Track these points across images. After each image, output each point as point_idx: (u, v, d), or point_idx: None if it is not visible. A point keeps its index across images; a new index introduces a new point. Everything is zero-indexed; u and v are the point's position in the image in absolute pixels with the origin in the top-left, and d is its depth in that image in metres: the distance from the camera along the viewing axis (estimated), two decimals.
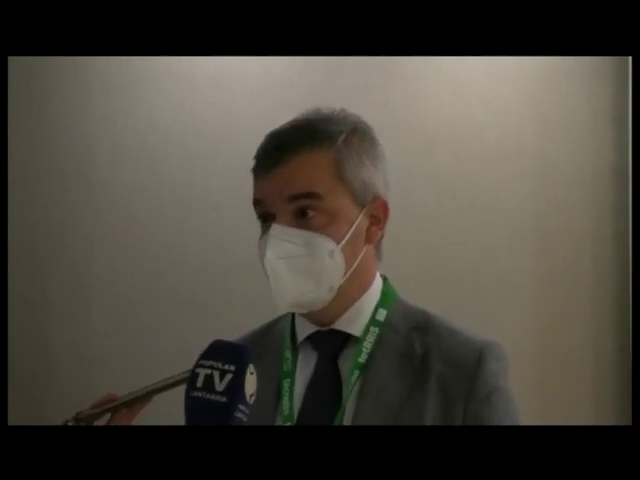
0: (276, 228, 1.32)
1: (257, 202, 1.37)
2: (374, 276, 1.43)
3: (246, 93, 2.83)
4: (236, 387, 1.11)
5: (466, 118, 2.87)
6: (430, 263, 2.85)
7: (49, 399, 2.74)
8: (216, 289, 2.78)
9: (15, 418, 2.37)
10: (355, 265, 1.37)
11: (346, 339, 1.39)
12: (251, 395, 1.13)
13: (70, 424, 1.24)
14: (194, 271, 2.83)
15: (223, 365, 1.13)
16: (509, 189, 2.88)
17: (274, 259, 1.32)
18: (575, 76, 2.89)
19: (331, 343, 1.39)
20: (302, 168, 1.33)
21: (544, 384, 2.85)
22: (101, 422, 1.26)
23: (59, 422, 1.27)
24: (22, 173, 2.85)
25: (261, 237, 1.36)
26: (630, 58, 2.74)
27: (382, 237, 1.45)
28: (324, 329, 1.39)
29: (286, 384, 1.39)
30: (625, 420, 2.79)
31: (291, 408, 1.37)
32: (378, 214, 1.42)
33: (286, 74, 2.85)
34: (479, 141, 2.88)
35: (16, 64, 2.69)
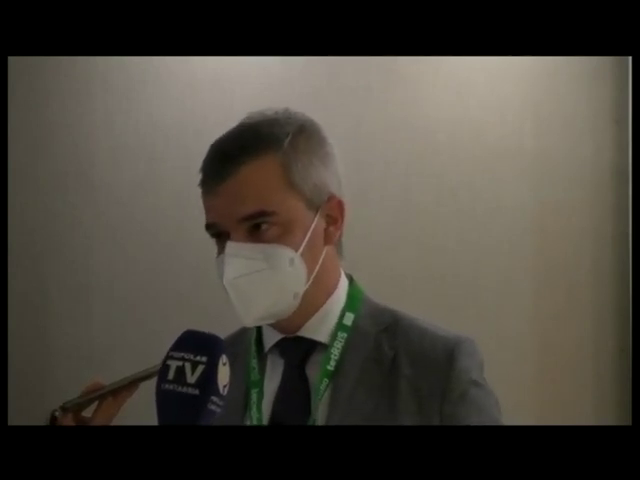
0: (232, 246, 1.29)
1: (209, 226, 1.34)
2: (338, 277, 1.40)
3: (246, 93, 2.83)
4: (208, 379, 1.09)
5: (466, 118, 2.88)
6: (430, 263, 2.85)
7: (49, 399, 2.73)
8: (216, 289, 2.78)
9: (15, 418, 2.37)
10: (317, 268, 1.34)
11: (313, 346, 1.36)
12: (224, 386, 1.11)
13: (57, 414, 1.24)
14: (194, 271, 2.83)
15: (195, 356, 1.11)
16: (509, 189, 2.88)
17: (234, 278, 1.29)
18: (575, 76, 2.89)
19: (297, 350, 1.36)
20: (250, 180, 1.29)
21: (544, 384, 2.85)
22: (88, 411, 1.25)
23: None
24: (22, 173, 2.85)
25: (217, 256, 1.34)
26: (630, 58, 2.74)
27: (341, 235, 1.40)
28: (290, 336, 1.37)
29: (254, 394, 1.36)
30: (625, 420, 2.79)
31: (259, 418, 1.34)
32: (334, 214, 1.36)
33: (286, 74, 2.85)
34: (479, 141, 2.88)
35: (16, 64, 2.69)
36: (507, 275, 2.86)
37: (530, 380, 2.84)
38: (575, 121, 2.89)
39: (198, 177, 1.35)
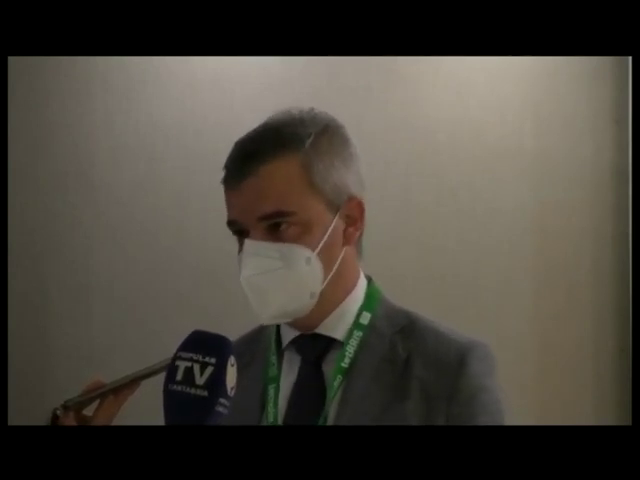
0: (250, 244, 1.31)
1: (231, 222, 1.35)
2: (357, 277, 1.41)
3: (246, 93, 2.83)
4: (217, 380, 1.09)
5: (466, 118, 2.88)
6: (430, 263, 2.85)
7: (49, 399, 2.73)
8: (216, 289, 2.78)
9: (15, 418, 2.37)
10: (335, 268, 1.35)
11: (329, 343, 1.37)
12: (232, 388, 1.11)
13: (58, 412, 1.23)
14: (194, 271, 2.83)
15: (203, 357, 1.10)
16: (509, 189, 2.88)
17: (251, 275, 1.30)
18: (575, 76, 2.89)
19: (314, 347, 1.38)
20: (270, 179, 1.31)
21: (544, 384, 2.85)
22: (89, 409, 1.25)
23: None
24: (22, 173, 2.85)
25: (238, 253, 1.35)
26: (630, 58, 2.75)
27: (361, 235, 1.41)
28: (307, 333, 1.38)
29: (271, 390, 1.37)
30: (625, 420, 2.79)
31: (275, 414, 1.35)
32: (353, 214, 1.38)
33: (286, 74, 2.85)
34: (479, 141, 2.88)
35: (16, 64, 2.69)
36: (507, 275, 2.86)
37: (530, 380, 2.83)
38: (575, 121, 2.89)
39: (221, 174, 1.36)
